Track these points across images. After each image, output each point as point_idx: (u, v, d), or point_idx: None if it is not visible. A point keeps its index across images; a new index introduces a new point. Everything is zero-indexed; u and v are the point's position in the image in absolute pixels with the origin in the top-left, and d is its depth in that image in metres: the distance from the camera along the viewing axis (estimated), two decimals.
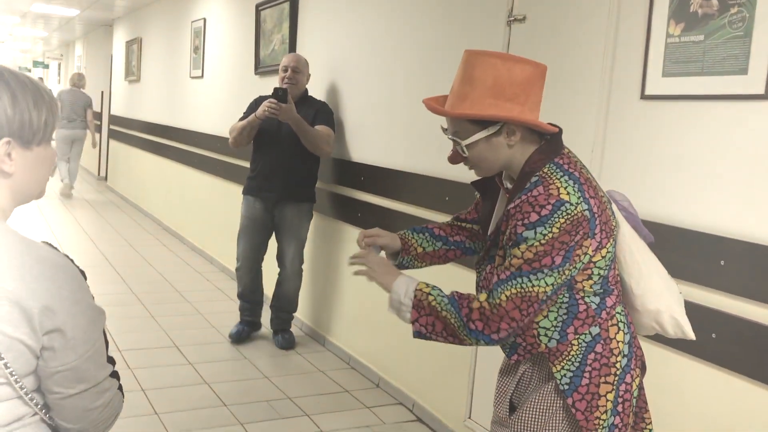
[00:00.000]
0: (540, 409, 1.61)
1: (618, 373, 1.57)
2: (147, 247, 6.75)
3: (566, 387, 1.56)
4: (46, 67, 19.29)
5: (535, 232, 1.47)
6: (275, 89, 3.75)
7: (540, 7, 2.68)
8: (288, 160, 3.94)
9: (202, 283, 5.53)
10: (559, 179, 1.51)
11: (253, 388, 3.53)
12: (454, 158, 1.64)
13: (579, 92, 2.49)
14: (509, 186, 1.66)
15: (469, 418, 3.03)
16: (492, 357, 2.95)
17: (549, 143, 1.60)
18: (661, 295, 1.66)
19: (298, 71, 3.98)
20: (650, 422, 1.69)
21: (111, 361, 1.28)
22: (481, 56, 1.55)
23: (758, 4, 1.93)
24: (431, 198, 3.22)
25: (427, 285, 1.59)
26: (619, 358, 1.58)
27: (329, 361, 3.98)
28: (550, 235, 1.46)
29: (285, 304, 4.16)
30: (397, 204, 3.49)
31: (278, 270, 4.16)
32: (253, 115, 3.87)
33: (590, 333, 1.57)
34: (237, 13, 5.70)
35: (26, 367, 1.14)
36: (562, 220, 1.47)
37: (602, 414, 1.55)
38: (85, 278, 1.23)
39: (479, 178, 1.74)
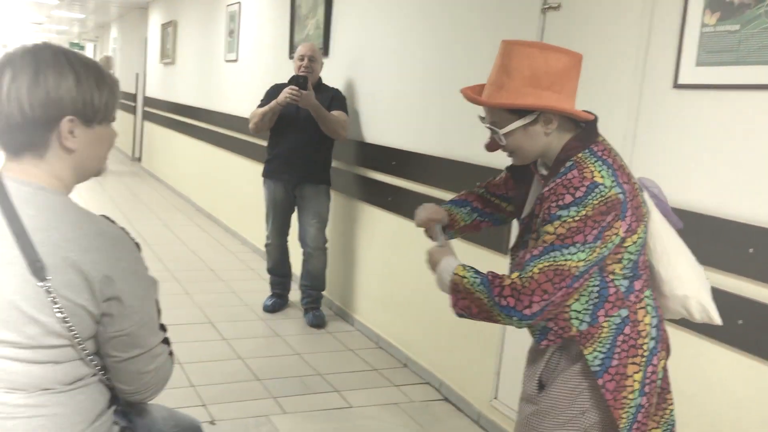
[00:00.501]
0: (568, 387, 1.66)
1: (645, 354, 1.62)
2: (181, 226, 6.90)
3: (598, 368, 1.60)
4: (82, 48, 19.58)
5: (569, 211, 1.51)
6: (295, 77, 3.95)
7: None
8: (306, 144, 4.11)
9: (235, 262, 5.66)
10: (593, 164, 1.56)
11: (285, 364, 3.63)
12: (492, 146, 1.69)
13: (612, 80, 2.52)
14: (544, 172, 1.70)
15: (495, 398, 3.09)
16: (520, 339, 3.01)
17: (585, 131, 1.64)
18: (689, 281, 1.70)
19: (314, 60, 4.15)
20: (672, 403, 1.74)
21: (163, 328, 1.37)
22: (517, 46, 1.60)
23: None
24: (463, 183, 3.26)
25: (464, 268, 1.63)
26: (646, 340, 1.62)
27: (358, 341, 4.08)
28: (584, 213, 1.50)
29: (313, 282, 4.29)
30: (428, 188, 3.55)
31: (302, 250, 4.30)
32: (274, 101, 4.03)
33: (620, 315, 1.61)
34: None
35: (87, 331, 1.23)
36: (595, 202, 1.51)
37: (629, 394, 1.60)
38: (140, 250, 1.31)
39: (511, 164, 1.79)
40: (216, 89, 7.22)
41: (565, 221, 1.51)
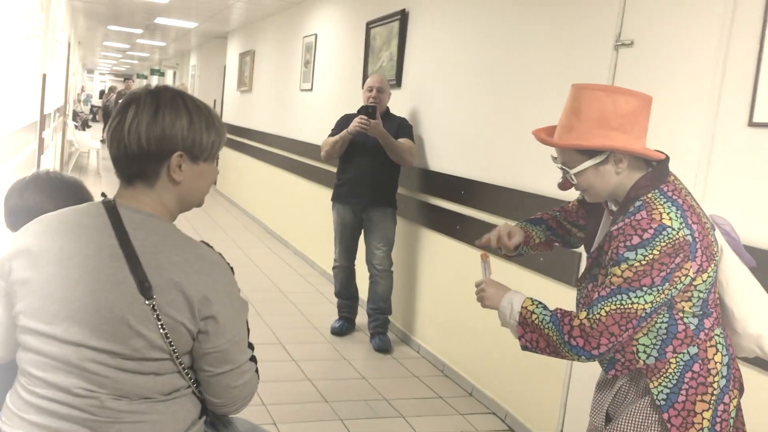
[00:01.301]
0: (635, 421, 1.68)
1: (716, 392, 1.62)
2: (253, 249, 7.12)
3: (663, 402, 1.62)
4: (162, 74, 20.46)
5: (636, 253, 1.54)
6: (364, 107, 4.17)
7: (648, 31, 2.74)
8: (374, 170, 4.29)
9: (304, 285, 5.81)
10: (662, 205, 1.59)
11: (352, 387, 3.72)
12: (564, 185, 1.75)
13: (685, 117, 2.53)
14: (614, 209, 1.75)
15: (562, 431, 3.09)
16: (587, 371, 3.01)
17: (655, 170, 1.68)
18: (763, 320, 1.71)
19: (382, 91, 4.34)
20: None
21: (251, 347, 1.47)
22: (586, 90, 1.66)
23: None
24: (530, 214, 3.29)
25: (533, 302, 1.69)
26: (716, 379, 1.63)
27: (423, 367, 4.13)
28: (651, 256, 1.53)
29: (380, 306, 4.39)
30: (496, 218, 3.60)
31: (368, 274, 4.42)
32: (345, 131, 4.24)
33: (688, 353, 1.63)
34: (348, 30, 5.97)
35: (185, 347, 1.35)
36: (663, 244, 1.54)
37: (698, 431, 1.61)
38: (233, 273, 1.43)
39: (581, 197, 1.84)
40: (290, 117, 7.47)
41: (632, 264, 1.54)
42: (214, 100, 12.29)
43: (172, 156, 1.37)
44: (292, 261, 6.69)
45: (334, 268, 4.60)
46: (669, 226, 1.55)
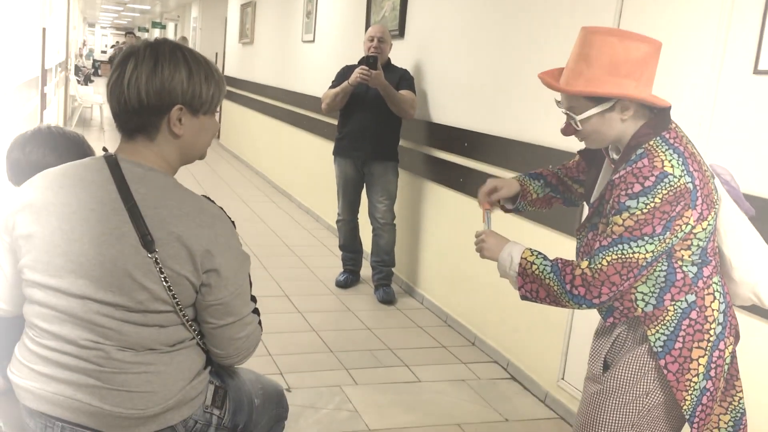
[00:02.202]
0: (633, 368, 1.71)
1: (711, 339, 1.64)
2: (258, 203, 7.15)
3: (660, 349, 1.64)
4: (164, 27, 20.23)
5: (638, 202, 1.54)
6: (365, 57, 4.09)
7: None
8: (375, 123, 4.24)
9: (309, 238, 5.85)
10: (664, 152, 1.59)
11: (357, 338, 3.78)
12: (567, 131, 1.73)
13: (690, 63, 2.50)
14: (615, 157, 1.74)
15: (563, 379, 3.15)
16: (587, 320, 3.04)
17: (657, 117, 1.66)
18: (760, 268, 1.71)
19: (384, 41, 4.27)
20: (741, 390, 1.75)
21: (253, 299, 1.50)
22: (597, 34, 1.63)
23: None
24: (535, 166, 3.28)
25: (532, 253, 1.70)
26: (713, 326, 1.65)
27: (427, 318, 4.18)
28: (652, 204, 1.53)
29: (383, 258, 4.42)
30: (500, 170, 3.59)
31: (371, 227, 4.44)
32: (345, 82, 4.18)
33: (686, 300, 1.64)
34: None
35: (188, 299, 1.37)
36: (664, 192, 1.54)
37: (693, 377, 1.63)
38: (235, 227, 1.44)
39: (582, 149, 1.83)
40: (293, 69, 7.39)
41: (633, 214, 1.54)
42: (216, 53, 12.17)
43: (171, 109, 1.37)
44: (297, 215, 6.72)
45: (337, 221, 4.63)
46: (671, 174, 1.55)
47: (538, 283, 1.66)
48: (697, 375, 1.64)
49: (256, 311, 1.51)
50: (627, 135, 1.67)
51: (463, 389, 3.29)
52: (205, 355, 1.48)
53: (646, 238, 1.55)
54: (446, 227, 4.22)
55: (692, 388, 1.64)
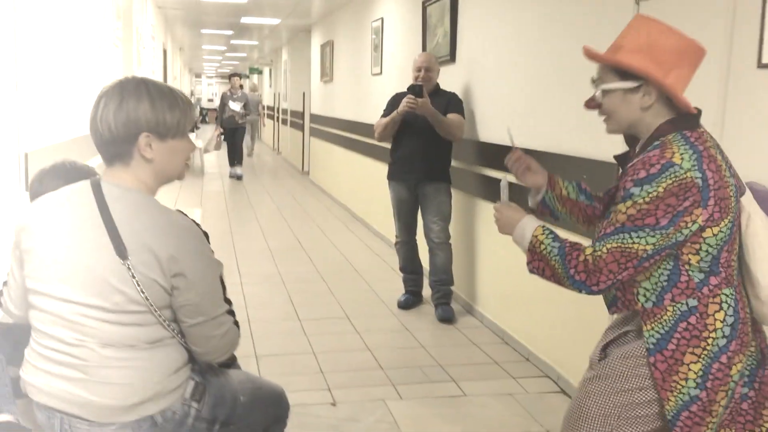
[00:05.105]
0: (628, 361, 1.69)
1: (709, 348, 1.60)
2: (335, 232, 7.39)
3: (651, 347, 1.63)
4: (260, 72, 21.26)
5: (641, 189, 1.54)
6: (411, 86, 4.26)
7: None
8: (425, 146, 4.37)
9: (379, 263, 5.99)
10: (678, 146, 1.58)
11: (410, 356, 3.86)
12: (589, 103, 1.75)
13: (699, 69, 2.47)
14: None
15: None
16: None
17: (681, 117, 1.65)
18: None
19: (430, 70, 4.42)
20: None
21: (228, 302, 1.65)
22: (645, 19, 1.69)
23: None
24: (569, 176, 3.29)
25: (543, 231, 1.71)
26: (713, 335, 1.60)
27: (484, 336, 4.20)
28: (655, 194, 1.53)
29: (440, 277, 4.49)
30: None
31: (428, 247, 4.53)
32: (394, 112, 4.37)
33: (687, 304, 1.61)
34: (408, 11, 6.06)
35: (162, 301, 1.54)
36: (669, 181, 1.52)
37: (681, 380, 1.60)
38: (208, 238, 1.61)
39: (619, 153, 1.81)
40: (365, 102, 7.65)
41: (636, 201, 1.54)
42: (303, 93, 12.69)
43: (139, 137, 1.55)
44: (370, 241, 6.90)
45: (396, 243, 4.75)
46: (677, 164, 1.53)
47: (544, 262, 1.68)
48: (686, 380, 1.61)
49: (230, 312, 1.66)
50: (645, 126, 1.67)
51: (509, 403, 3.29)
52: (186, 354, 1.64)
53: (647, 229, 1.55)
54: (500, 245, 4.24)
55: (678, 391, 1.61)
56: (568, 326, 3.43)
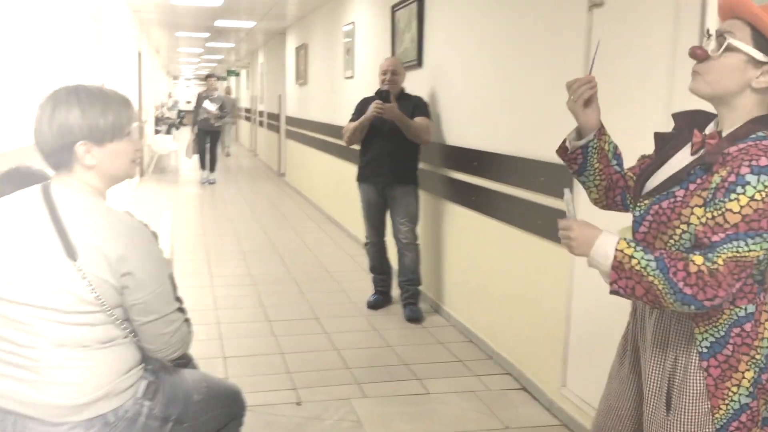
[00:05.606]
0: (698, 408, 1.55)
1: (758, 357, 1.52)
2: (309, 233, 7.45)
3: (705, 350, 1.53)
4: (237, 74, 21.23)
5: (759, 179, 1.37)
6: (378, 91, 4.38)
7: None
8: (393, 149, 4.46)
9: (351, 264, 6.06)
10: None
11: (377, 355, 3.93)
12: (696, 50, 1.52)
13: (647, 72, 2.57)
14: (711, 131, 1.56)
15: (564, 386, 3.19)
16: (584, 326, 3.10)
17: None
18: None
19: (396, 73, 4.51)
20: None
21: (178, 300, 1.70)
22: None
23: None
24: (534, 180, 3.40)
25: (629, 244, 1.48)
26: (763, 344, 1.52)
27: (450, 335, 4.28)
28: None
29: (409, 277, 4.58)
30: (504, 186, 3.70)
31: (396, 248, 4.62)
32: (363, 116, 4.46)
33: (745, 309, 1.52)
34: (378, 15, 6.14)
35: (113, 301, 1.59)
36: None
37: (733, 386, 1.52)
38: (157, 239, 1.66)
39: (663, 132, 1.68)
40: (338, 105, 7.71)
41: (752, 197, 1.37)
42: (279, 95, 12.72)
43: (75, 146, 1.60)
44: (344, 243, 6.96)
45: (365, 245, 4.83)
46: None
47: (636, 279, 1.45)
48: (739, 387, 1.52)
49: (181, 310, 1.72)
50: (734, 106, 1.51)
51: (471, 400, 3.37)
52: (139, 353, 1.69)
53: (764, 234, 1.38)
54: (465, 245, 4.33)
55: (730, 398, 1.52)
56: (529, 325, 3.52)
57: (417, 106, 4.47)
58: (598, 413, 1.89)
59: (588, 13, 2.94)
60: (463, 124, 4.30)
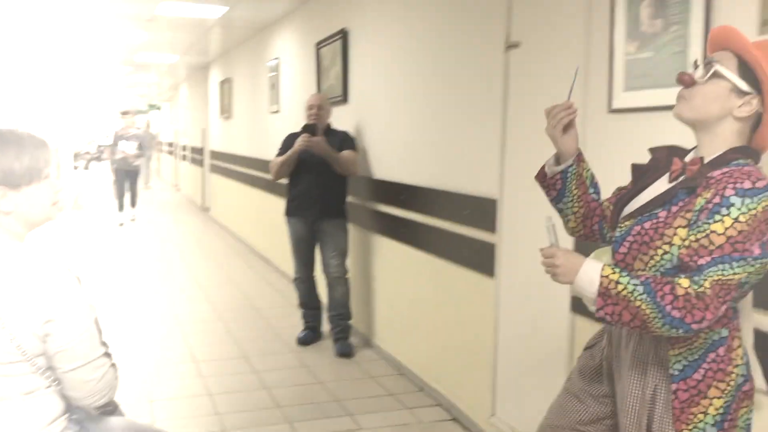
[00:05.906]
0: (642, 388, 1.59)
1: (732, 385, 1.52)
2: (235, 269, 7.34)
3: (676, 373, 1.52)
4: (158, 108, 20.86)
5: (743, 201, 1.39)
6: (306, 125, 4.41)
7: (532, 32, 2.92)
8: (322, 183, 4.50)
9: (279, 300, 6.00)
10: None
11: (307, 392, 3.89)
12: (683, 76, 1.55)
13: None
14: (691, 158, 1.58)
15: (493, 415, 3.24)
16: (512, 355, 3.17)
17: (754, 152, 1.54)
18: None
19: (322, 108, 4.57)
20: None
21: (104, 344, 1.66)
22: None
23: (691, 23, 2.11)
24: (453, 211, 3.48)
25: (614, 270, 1.48)
26: (736, 371, 1.52)
27: (381, 368, 4.29)
28: (754, 212, 1.39)
29: (339, 311, 4.58)
30: (430, 219, 3.77)
31: (326, 282, 4.61)
32: (291, 150, 4.47)
33: (719, 333, 1.51)
34: (302, 51, 6.20)
35: (36, 349, 1.54)
36: (766, 203, 1.40)
37: (699, 414, 1.50)
38: (79, 283, 1.62)
39: (640, 163, 1.71)
40: (264, 139, 7.70)
41: (736, 219, 1.39)
42: (203, 129, 12.58)
43: None
44: (272, 278, 6.89)
45: (294, 280, 4.80)
46: None
47: (622, 305, 1.45)
48: (705, 414, 1.50)
49: (107, 355, 1.67)
50: (715, 134, 1.53)
51: None
52: (63, 403, 1.64)
53: (748, 258, 1.40)
54: (394, 277, 4.38)
55: (694, 425, 1.51)
56: (458, 355, 3.58)
57: (344, 140, 4.52)
58: (549, 409, 1.90)
59: (504, 53, 3.07)
60: (389, 159, 4.37)
